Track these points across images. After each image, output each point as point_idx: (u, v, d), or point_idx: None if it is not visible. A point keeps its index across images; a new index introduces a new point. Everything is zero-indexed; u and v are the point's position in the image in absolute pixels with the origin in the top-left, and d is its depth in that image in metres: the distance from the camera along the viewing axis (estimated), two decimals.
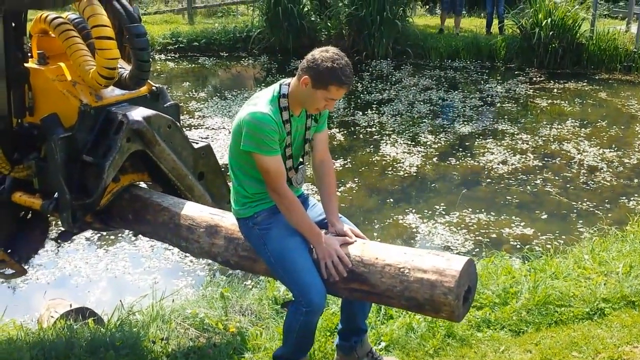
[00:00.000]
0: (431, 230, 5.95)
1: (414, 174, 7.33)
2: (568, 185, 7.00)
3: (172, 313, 3.87)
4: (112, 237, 5.81)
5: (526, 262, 4.73)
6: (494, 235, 5.89)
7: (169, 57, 13.43)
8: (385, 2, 13.03)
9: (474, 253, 5.50)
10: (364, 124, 9.03)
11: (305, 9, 13.91)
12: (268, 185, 2.81)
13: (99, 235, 5.80)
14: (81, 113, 3.33)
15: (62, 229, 3.63)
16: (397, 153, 7.89)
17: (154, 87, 3.72)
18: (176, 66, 12.96)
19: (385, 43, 13.09)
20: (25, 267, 4.04)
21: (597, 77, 11.87)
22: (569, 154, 7.92)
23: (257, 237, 2.92)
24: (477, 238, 5.82)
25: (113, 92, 3.53)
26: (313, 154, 3.06)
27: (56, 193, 3.34)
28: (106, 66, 3.26)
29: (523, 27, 12.84)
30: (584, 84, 11.44)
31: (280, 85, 2.84)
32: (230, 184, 3.13)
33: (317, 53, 2.75)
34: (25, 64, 3.47)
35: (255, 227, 2.92)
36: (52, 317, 3.98)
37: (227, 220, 3.24)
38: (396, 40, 13.26)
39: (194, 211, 3.39)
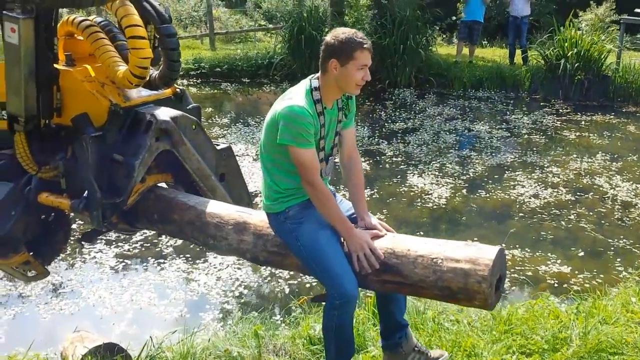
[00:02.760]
0: None
1: (443, 206, 7.15)
2: (603, 222, 6.79)
3: (204, 351, 3.70)
4: (137, 266, 5.70)
5: (570, 303, 4.51)
6: (530, 273, 5.68)
7: (192, 83, 13.41)
8: (409, 31, 12.97)
9: (512, 291, 5.30)
10: (389, 154, 8.88)
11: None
12: (302, 178, 2.85)
13: (123, 263, 5.68)
14: (111, 113, 3.38)
15: (85, 230, 3.77)
16: (424, 184, 7.72)
17: (177, 89, 3.78)
18: (198, 91, 12.91)
19: (408, 72, 13.00)
20: (49, 268, 3.99)
21: (624, 110, 11.70)
22: (601, 188, 7.72)
23: (289, 232, 2.96)
24: (512, 275, 5.61)
25: (140, 93, 3.57)
26: (341, 149, 3.13)
27: (85, 192, 3.36)
28: (139, 65, 3.29)
29: (548, 58, 12.73)
30: (612, 116, 11.26)
31: (311, 79, 2.92)
32: (251, 182, 3.12)
33: (327, 38, 2.87)
34: (55, 65, 3.47)
35: (287, 221, 2.96)
36: (77, 351, 3.82)
37: (255, 217, 3.28)
38: (419, 69, 13.18)
39: (221, 209, 3.41)
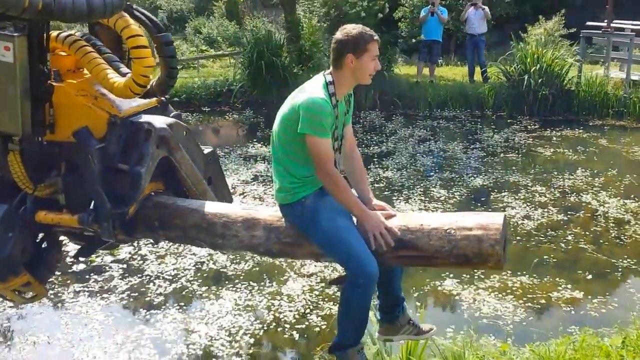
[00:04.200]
0: (475, 297, 5.50)
1: None
2: (601, 241, 6.65)
3: None
4: (128, 319, 5.25)
5: (606, 336, 4.29)
6: (543, 301, 5.46)
7: None
8: None
9: (534, 323, 5.07)
10: (370, 180, 8.58)
11: (287, 61, 13.60)
12: (319, 166, 3.02)
13: (112, 317, 5.23)
14: (111, 124, 3.42)
15: (78, 247, 3.85)
16: (413, 210, 7.47)
17: (162, 99, 3.82)
18: None
19: (372, 94, 12.82)
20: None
21: (590, 124, 11.77)
22: (589, 206, 7.62)
23: (308, 220, 3.10)
24: (526, 305, 5.38)
25: (130, 104, 3.58)
26: (344, 142, 3.29)
27: (92, 205, 3.37)
28: (143, 74, 3.32)
29: (510, 75, 12.74)
30: (580, 130, 11.29)
31: (324, 75, 3.13)
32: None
33: (337, 35, 3.10)
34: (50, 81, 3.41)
35: (304, 210, 3.10)
36: None
37: (263, 212, 3.40)
38: (383, 90, 13.01)
39: (226, 209, 3.50)
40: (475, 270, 5.96)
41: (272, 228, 3.27)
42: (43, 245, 3.80)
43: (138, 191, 3.41)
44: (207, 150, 3.97)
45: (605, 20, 13.97)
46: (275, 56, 13.05)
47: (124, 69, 3.52)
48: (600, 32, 13.29)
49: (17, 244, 3.49)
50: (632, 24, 14.47)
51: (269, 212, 3.35)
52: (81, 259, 5.61)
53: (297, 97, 3.06)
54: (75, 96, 3.45)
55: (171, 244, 6.54)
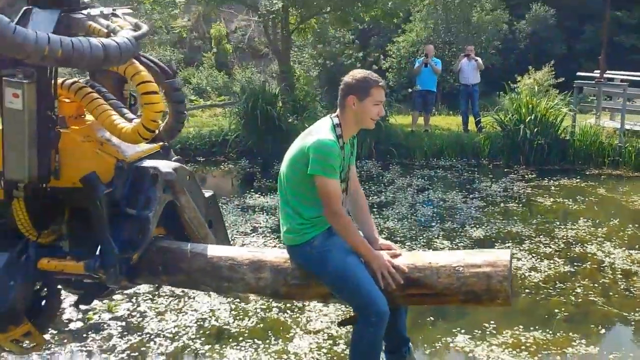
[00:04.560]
0: (489, 355, 5.32)
1: None
2: (610, 293, 6.53)
3: None
4: None
5: None
6: (558, 358, 5.30)
7: None
8: None
9: None
10: None
11: (281, 111, 13.61)
12: (327, 207, 3.10)
13: None
14: (118, 169, 3.43)
15: (77, 296, 3.85)
16: None
17: (165, 144, 3.87)
18: None
19: (368, 143, 12.80)
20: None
21: (587, 173, 11.79)
22: (595, 257, 7.52)
23: (317, 261, 3.15)
24: None
25: (135, 149, 3.60)
26: (349, 183, 3.38)
27: (98, 251, 3.35)
28: (154, 119, 3.36)
29: (505, 125, 12.78)
30: (578, 180, 11.28)
31: (331, 117, 3.25)
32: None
33: (346, 78, 3.25)
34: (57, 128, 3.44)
35: (314, 251, 3.16)
36: None
37: (269, 254, 3.44)
38: (378, 140, 13.00)
39: (231, 252, 3.53)
40: (487, 325, 5.81)
41: (280, 270, 3.30)
42: (42, 294, 3.78)
43: (147, 236, 3.42)
44: (207, 194, 4.01)
45: (598, 71, 14.15)
46: (270, 106, 13.04)
47: (130, 115, 3.58)
48: (593, 82, 13.39)
49: (19, 293, 3.45)
50: (622, 74, 14.67)
51: (276, 253, 3.40)
52: (80, 309, 5.64)
53: (306, 139, 3.14)
54: (81, 142, 3.48)
55: (171, 299, 6.37)
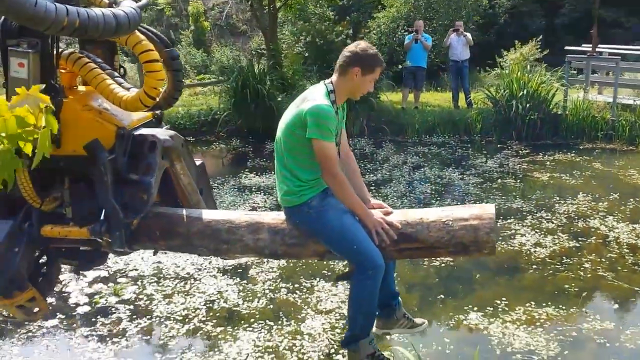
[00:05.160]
0: (504, 332, 5.27)
1: (450, 264, 6.69)
2: (619, 268, 6.50)
3: None
4: None
5: None
6: (575, 333, 5.25)
7: None
8: None
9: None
10: None
11: (270, 89, 13.42)
12: (326, 169, 3.25)
13: None
14: (119, 137, 3.49)
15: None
16: None
17: (157, 113, 3.93)
18: None
19: (360, 121, 12.69)
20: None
21: (581, 147, 11.78)
22: (599, 231, 7.50)
23: (315, 220, 3.31)
24: (558, 338, 5.16)
25: (131, 117, 3.67)
26: (341, 147, 3.51)
27: (102, 216, 3.44)
28: (156, 87, 3.47)
29: (497, 101, 12.73)
30: (572, 154, 11.28)
31: (325, 84, 3.38)
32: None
33: (355, 48, 3.35)
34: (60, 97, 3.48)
35: (311, 211, 3.32)
36: None
37: (266, 216, 3.57)
38: (370, 117, 12.90)
39: (228, 215, 3.63)
40: (498, 302, 5.77)
41: (277, 230, 3.44)
42: (42, 261, 3.88)
43: (150, 201, 3.52)
44: (197, 162, 4.14)
45: (586, 45, 14.12)
46: (260, 84, 12.85)
47: (126, 84, 3.64)
48: (586, 56, 13.36)
49: (23, 259, 3.54)
50: (610, 48, 14.67)
51: (272, 216, 3.54)
52: (79, 275, 5.97)
53: (303, 105, 3.27)
54: (81, 111, 3.54)
55: (177, 281, 6.26)
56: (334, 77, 3.40)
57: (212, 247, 3.58)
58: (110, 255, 6.78)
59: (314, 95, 3.31)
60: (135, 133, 3.59)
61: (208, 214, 3.68)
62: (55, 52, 3.43)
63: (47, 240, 3.64)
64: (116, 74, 3.73)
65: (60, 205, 3.60)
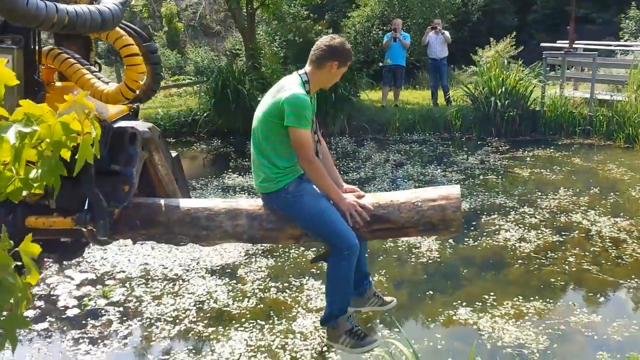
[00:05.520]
0: (494, 326, 5.33)
1: (437, 260, 6.75)
2: (603, 261, 6.61)
3: None
4: None
5: None
6: (563, 326, 5.33)
7: None
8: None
9: (559, 352, 4.93)
10: None
11: (251, 90, 13.41)
12: (301, 156, 3.37)
13: None
14: (101, 128, 3.33)
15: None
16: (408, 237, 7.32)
17: (134, 106, 4.04)
18: None
19: (341, 119, 12.73)
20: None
21: (559, 143, 11.94)
22: (581, 225, 7.61)
23: (292, 204, 3.44)
24: (547, 331, 5.23)
25: (109, 110, 3.75)
26: None
27: (86, 206, 3.51)
28: (136, 79, 3.61)
29: (476, 98, 12.85)
30: (551, 150, 11.43)
31: (299, 75, 3.47)
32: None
33: (332, 42, 3.45)
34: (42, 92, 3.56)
35: (289, 196, 3.44)
36: None
37: (243, 203, 3.68)
38: (350, 115, 12.94)
39: (207, 203, 3.71)
40: (487, 297, 5.83)
41: (255, 216, 3.54)
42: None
43: (132, 190, 3.59)
44: (173, 154, 4.24)
45: (561, 41, 14.29)
46: (240, 84, 12.84)
47: (105, 78, 3.76)
48: (563, 52, 13.52)
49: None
50: (585, 44, 14.86)
51: (250, 202, 3.66)
52: (63, 266, 6.07)
53: (279, 94, 3.36)
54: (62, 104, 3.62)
55: (165, 282, 6.24)
56: (308, 69, 3.49)
57: (192, 234, 3.64)
58: (97, 257, 6.85)
59: (290, 85, 3.40)
60: (115, 126, 3.66)
61: (187, 203, 3.76)
62: (37, 48, 3.50)
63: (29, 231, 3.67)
64: (94, 68, 3.84)
65: (44, 196, 3.57)
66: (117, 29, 3.56)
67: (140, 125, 3.72)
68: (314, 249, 6.47)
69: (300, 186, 3.47)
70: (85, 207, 3.51)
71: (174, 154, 4.21)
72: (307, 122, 3.35)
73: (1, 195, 1.68)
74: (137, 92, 3.69)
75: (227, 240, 3.82)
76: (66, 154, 1.65)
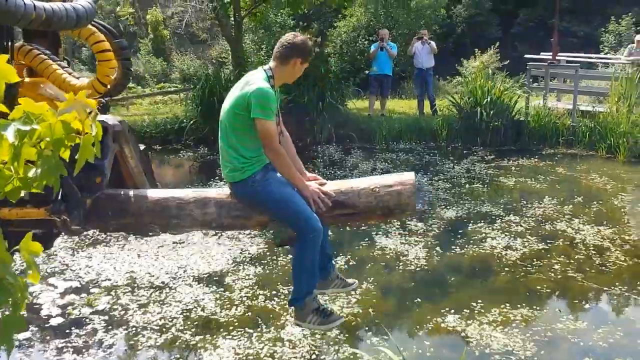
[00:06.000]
0: (481, 333, 5.36)
1: (424, 268, 6.77)
2: (587, 269, 6.67)
3: None
4: None
5: None
6: (549, 333, 5.38)
7: None
8: (324, 88, 12.79)
9: (547, 359, 4.96)
10: None
11: None
12: (269, 145, 3.55)
13: None
14: None
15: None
16: (395, 245, 7.34)
17: (102, 100, 4.13)
18: None
19: (329, 128, 12.76)
20: None
21: (543, 153, 12.05)
22: (565, 233, 7.68)
23: (259, 192, 3.61)
24: (534, 338, 5.27)
25: None
26: None
27: (59, 196, 3.55)
28: (108, 74, 3.79)
29: (462, 108, 12.94)
30: (535, 159, 11.53)
31: (264, 70, 3.68)
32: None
33: (294, 39, 3.67)
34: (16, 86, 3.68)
35: (256, 184, 3.61)
36: None
37: (212, 192, 3.85)
38: (338, 124, 12.97)
39: (177, 193, 3.83)
40: (474, 304, 5.86)
41: (223, 204, 3.69)
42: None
43: (104, 181, 3.70)
44: (141, 147, 4.33)
45: (544, 54, 14.44)
46: (227, 92, 12.80)
47: (75, 73, 3.89)
48: (546, 64, 13.66)
49: None
50: (567, 56, 15.03)
51: (218, 191, 3.82)
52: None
53: (246, 88, 3.55)
54: (35, 100, 3.82)
55: (152, 290, 6.21)
56: (273, 65, 3.68)
57: (162, 223, 3.74)
58: (81, 265, 6.79)
59: (255, 80, 3.57)
60: None
61: (156, 193, 3.87)
62: (10, 44, 3.59)
63: (5, 223, 3.69)
64: (64, 64, 3.96)
65: None
66: (90, 26, 3.75)
67: (111, 119, 3.83)
68: None
69: (266, 175, 3.65)
70: (59, 198, 3.58)
71: (142, 146, 4.33)
72: (272, 114, 3.52)
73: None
74: (109, 86, 3.87)
75: (197, 228, 3.96)
76: (65, 154, 1.64)
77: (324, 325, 3.82)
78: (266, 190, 3.62)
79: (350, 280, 4.16)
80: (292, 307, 3.88)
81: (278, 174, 3.68)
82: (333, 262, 4.08)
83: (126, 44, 4.01)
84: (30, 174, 1.61)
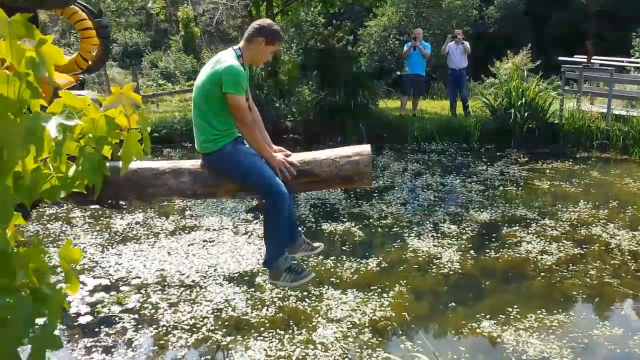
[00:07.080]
0: (517, 339, 5.27)
1: (458, 271, 6.68)
2: (623, 274, 6.54)
3: None
4: None
5: None
6: (586, 340, 5.28)
7: None
8: (355, 87, 12.71)
9: None
10: (375, 216, 8.40)
11: (269, 95, 13.39)
12: (238, 118, 3.79)
13: None
14: (56, 95, 3.81)
15: None
16: (428, 247, 7.26)
17: (81, 77, 4.35)
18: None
19: (360, 128, 12.67)
20: None
21: (577, 156, 11.84)
22: (601, 238, 7.53)
23: (230, 162, 3.84)
24: (570, 344, 5.19)
25: (60, 80, 3.91)
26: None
27: None
28: (90, 50, 3.95)
29: (496, 109, 12.76)
30: (570, 162, 11.33)
31: (234, 49, 3.94)
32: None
33: (262, 22, 3.95)
34: None
35: (226, 155, 3.84)
36: None
37: (186, 162, 4.01)
38: (369, 124, 12.88)
39: (153, 164, 3.97)
40: (510, 310, 5.76)
41: (197, 174, 3.90)
42: None
43: None
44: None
45: (579, 56, 14.19)
46: (259, 89, 12.82)
47: None
48: (581, 67, 13.41)
49: None
50: (602, 60, 14.75)
51: (191, 162, 3.99)
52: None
53: (217, 66, 3.78)
54: (13, 76, 4.13)
55: (182, 289, 6.21)
56: (242, 44, 3.95)
57: (140, 192, 3.91)
58: (111, 262, 6.80)
59: (226, 58, 3.82)
60: None
61: (133, 164, 3.98)
62: None
63: None
64: None
65: None
66: (73, 6, 3.97)
67: (90, 95, 3.97)
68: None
69: (236, 146, 3.88)
70: None
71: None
72: (242, 89, 3.76)
73: (35, 193, 1.56)
74: (90, 62, 4.04)
75: (173, 196, 4.15)
76: (108, 152, 1.58)
77: (296, 282, 4.08)
78: (236, 160, 3.85)
79: (316, 244, 4.40)
80: (267, 269, 4.13)
81: (247, 146, 3.93)
82: (299, 228, 4.35)
83: (107, 24, 4.17)
84: (71, 172, 1.53)
